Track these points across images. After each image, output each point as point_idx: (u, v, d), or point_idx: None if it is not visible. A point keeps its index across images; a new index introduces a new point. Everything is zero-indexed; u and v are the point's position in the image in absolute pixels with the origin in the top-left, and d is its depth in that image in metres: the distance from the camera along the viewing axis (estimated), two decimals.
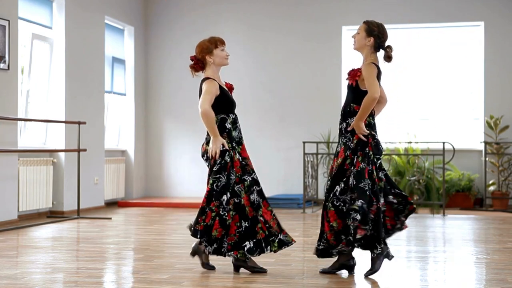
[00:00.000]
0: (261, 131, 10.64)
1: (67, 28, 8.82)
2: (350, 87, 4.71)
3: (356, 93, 4.67)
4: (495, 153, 9.74)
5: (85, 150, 8.66)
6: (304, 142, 9.36)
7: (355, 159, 4.61)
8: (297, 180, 10.32)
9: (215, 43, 4.83)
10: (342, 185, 4.63)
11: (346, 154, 4.65)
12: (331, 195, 4.64)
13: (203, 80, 4.80)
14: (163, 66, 10.99)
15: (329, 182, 4.72)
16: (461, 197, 9.81)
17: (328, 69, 10.46)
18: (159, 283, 4.34)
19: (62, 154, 8.69)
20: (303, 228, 7.51)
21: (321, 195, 10.13)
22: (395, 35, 9.83)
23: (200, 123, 4.72)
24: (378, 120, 4.93)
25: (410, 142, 9.98)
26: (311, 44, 10.56)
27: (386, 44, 4.74)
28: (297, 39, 10.60)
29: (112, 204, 10.10)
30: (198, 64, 4.85)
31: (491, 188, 9.78)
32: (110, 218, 8.31)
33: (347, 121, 4.70)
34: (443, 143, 9.05)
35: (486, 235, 7.10)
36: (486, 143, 9.74)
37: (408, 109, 10.42)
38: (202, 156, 4.81)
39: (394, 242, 5.96)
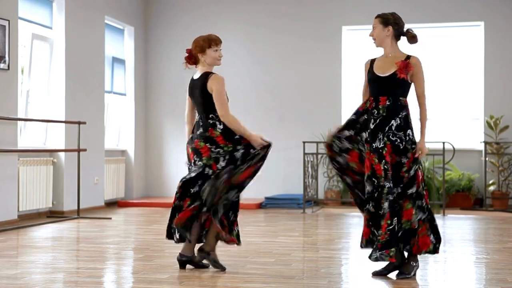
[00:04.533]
0: (261, 131, 10.48)
1: (67, 28, 8.82)
2: (400, 80, 4.51)
3: (407, 87, 4.57)
4: (495, 153, 9.74)
5: (85, 150, 8.66)
6: (304, 142, 9.36)
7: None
8: (297, 180, 10.30)
9: (209, 42, 4.78)
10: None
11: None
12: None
13: (207, 75, 4.75)
14: (163, 66, 10.99)
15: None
16: (461, 197, 9.81)
17: (328, 69, 10.45)
18: (159, 283, 4.34)
19: (62, 154, 8.69)
20: (303, 228, 7.51)
21: (321, 195, 10.12)
22: None
23: None
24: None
25: None
26: (311, 44, 10.55)
27: (405, 29, 4.73)
28: (297, 39, 10.59)
29: (112, 204, 10.10)
30: (191, 59, 4.85)
31: (491, 188, 9.78)
32: (110, 218, 8.31)
33: (399, 115, 4.47)
34: (443, 143, 9.05)
35: (486, 235, 7.11)
36: (486, 143, 9.74)
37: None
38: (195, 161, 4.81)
39: None
